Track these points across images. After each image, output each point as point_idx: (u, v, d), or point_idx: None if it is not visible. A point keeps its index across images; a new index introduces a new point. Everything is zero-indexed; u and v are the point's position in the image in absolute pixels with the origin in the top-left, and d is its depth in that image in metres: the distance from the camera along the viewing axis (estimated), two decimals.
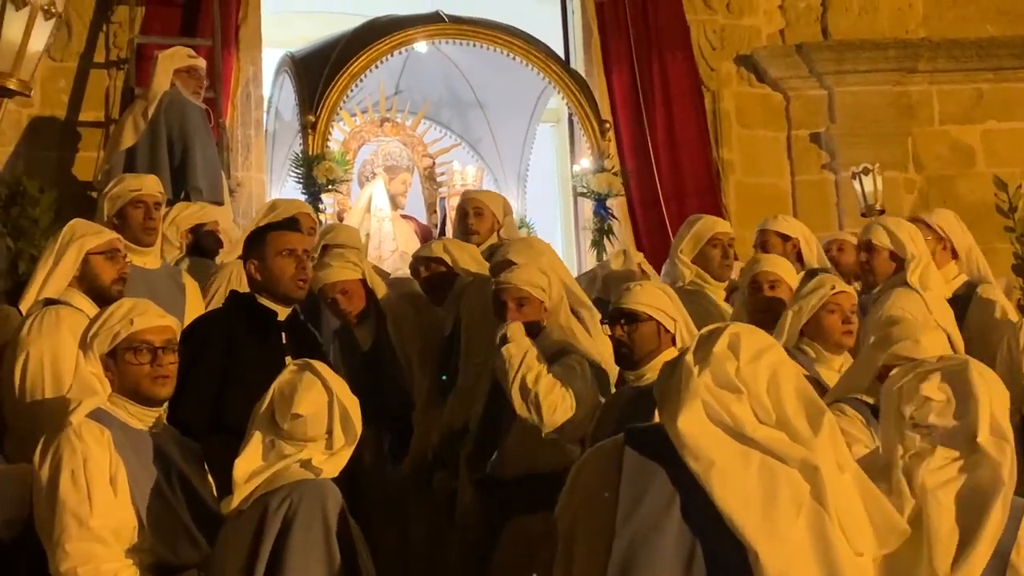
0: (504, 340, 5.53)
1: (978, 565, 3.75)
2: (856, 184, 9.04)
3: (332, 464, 4.24)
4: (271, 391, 4.29)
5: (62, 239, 5.94)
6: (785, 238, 7.57)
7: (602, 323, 5.69)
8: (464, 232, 7.63)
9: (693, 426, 3.69)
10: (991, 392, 3.92)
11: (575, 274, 9.42)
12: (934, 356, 4.26)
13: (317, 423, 4.20)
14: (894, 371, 4.19)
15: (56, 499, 4.37)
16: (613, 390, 5.73)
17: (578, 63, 10.28)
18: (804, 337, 5.86)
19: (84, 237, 5.89)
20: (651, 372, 5.20)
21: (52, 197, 8.65)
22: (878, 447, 4.19)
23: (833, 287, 5.97)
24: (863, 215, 8.82)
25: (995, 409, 3.90)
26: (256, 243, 5.77)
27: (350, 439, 4.26)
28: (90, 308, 5.48)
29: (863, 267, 6.97)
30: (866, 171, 8.98)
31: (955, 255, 7.29)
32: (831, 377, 5.61)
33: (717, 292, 7.17)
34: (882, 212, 8.85)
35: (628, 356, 5.41)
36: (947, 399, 3.92)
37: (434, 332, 6.73)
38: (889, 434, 4.01)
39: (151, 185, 6.92)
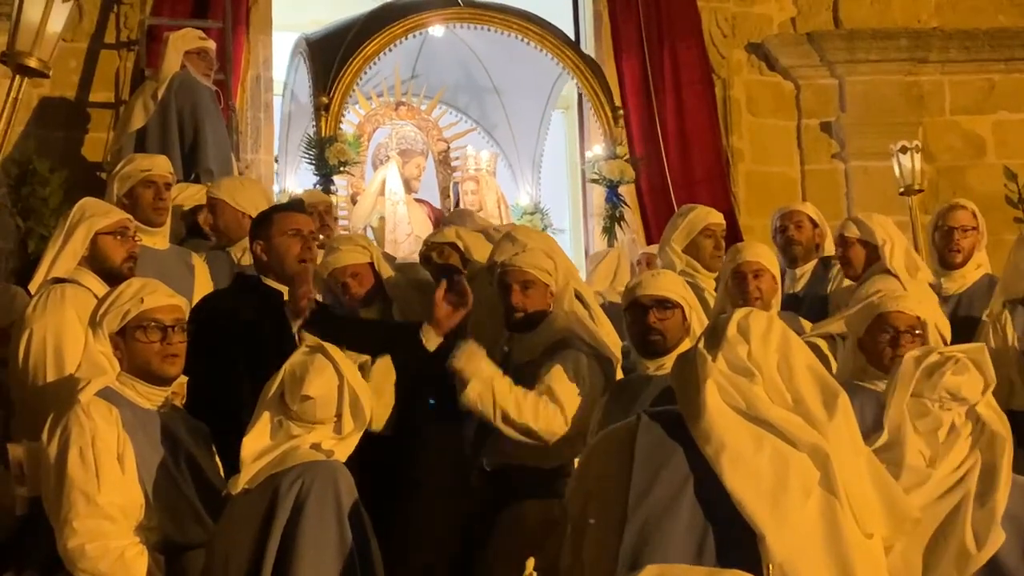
0: (461, 380, 5.29)
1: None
2: (895, 163, 8.95)
3: (342, 448, 4.25)
4: (282, 371, 4.28)
5: (72, 218, 5.93)
6: (815, 223, 7.59)
7: (624, 311, 5.61)
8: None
9: (708, 410, 3.70)
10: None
11: (580, 257, 9.51)
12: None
13: (327, 406, 4.20)
14: (910, 354, 4.22)
15: (64, 476, 4.36)
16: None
17: (588, 49, 10.23)
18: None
19: (93, 217, 5.88)
20: (670, 361, 5.02)
21: (62, 177, 8.66)
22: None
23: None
24: (901, 194, 8.74)
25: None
26: (263, 224, 5.71)
27: (359, 424, 4.26)
28: (99, 287, 5.47)
29: (842, 261, 7.01)
30: (904, 149, 8.89)
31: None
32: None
33: (708, 282, 7.09)
34: (920, 191, 8.79)
35: (661, 343, 5.30)
36: (977, 376, 4.03)
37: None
38: (899, 413, 4.06)
39: (162, 165, 6.92)
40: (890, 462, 3.97)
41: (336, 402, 4.21)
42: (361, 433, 4.29)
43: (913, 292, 5.69)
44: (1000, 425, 4.01)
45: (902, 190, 8.84)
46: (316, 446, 4.19)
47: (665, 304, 5.28)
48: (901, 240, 6.94)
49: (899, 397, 4.07)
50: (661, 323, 5.26)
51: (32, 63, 4.55)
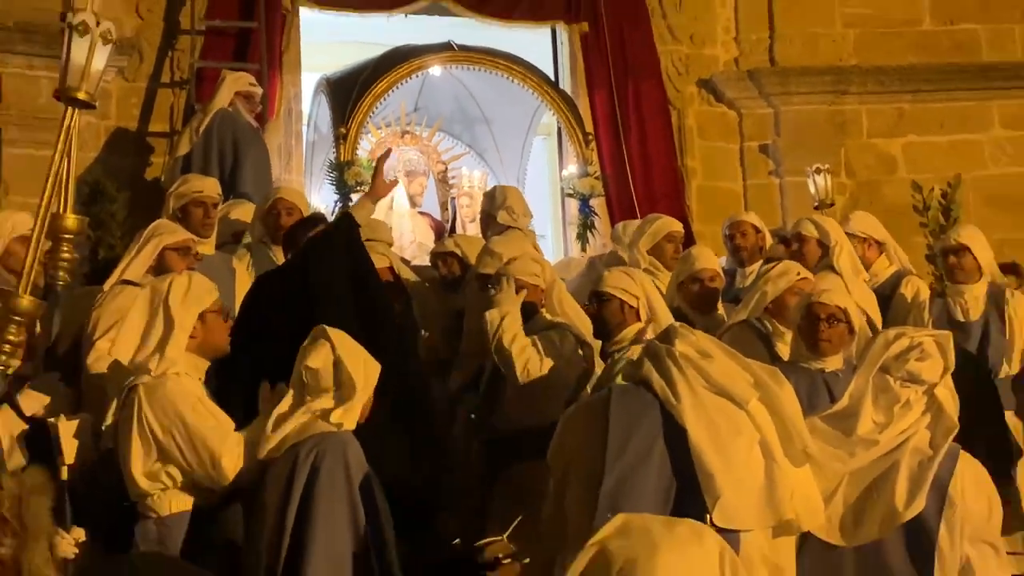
0: (490, 304, 5.50)
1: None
2: (810, 181, 8.96)
3: (349, 417, 4.20)
4: (300, 351, 4.29)
5: (146, 234, 5.94)
6: (757, 229, 7.60)
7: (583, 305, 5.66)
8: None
9: (675, 379, 3.73)
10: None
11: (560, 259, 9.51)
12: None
13: (325, 376, 4.18)
14: (884, 334, 4.19)
15: (187, 426, 4.35)
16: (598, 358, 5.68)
17: (565, 84, 10.18)
18: (766, 313, 5.76)
19: (163, 235, 5.88)
20: (623, 341, 5.24)
21: (126, 196, 8.59)
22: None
23: (798, 274, 5.89)
24: (816, 207, 8.75)
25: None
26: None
27: (356, 395, 4.20)
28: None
29: (793, 254, 6.95)
30: (818, 171, 8.90)
31: (881, 250, 7.32)
32: (783, 350, 5.55)
33: (664, 279, 6.97)
34: (831, 205, 8.80)
35: (601, 329, 5.43)
36: (939, 360, 3.97)
37: (451, 311, 6.75)
38: (864, 384, 4.00)
39: (211, 187, 6.88)
40: (842, 430, 3.96)
41: (332, 374, 4.19)
42: (362, 402, 4.23)
43: (837, 286, 5.60)
44: (951, 405, 3.93)
45: (816, 204, 8.84)
46: (326, 416, 4.16)
47: (601, 297, 5.39)
48: (848, 244, 6.94)
49: (866, 371, 4.01)
50: (597, 312, 5.42)
51: (81, 96, 4.56)
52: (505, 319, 5.41)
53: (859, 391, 3.99)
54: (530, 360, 5.37)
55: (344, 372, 4.19)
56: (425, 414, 5.04)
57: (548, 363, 5.38)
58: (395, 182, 5.78)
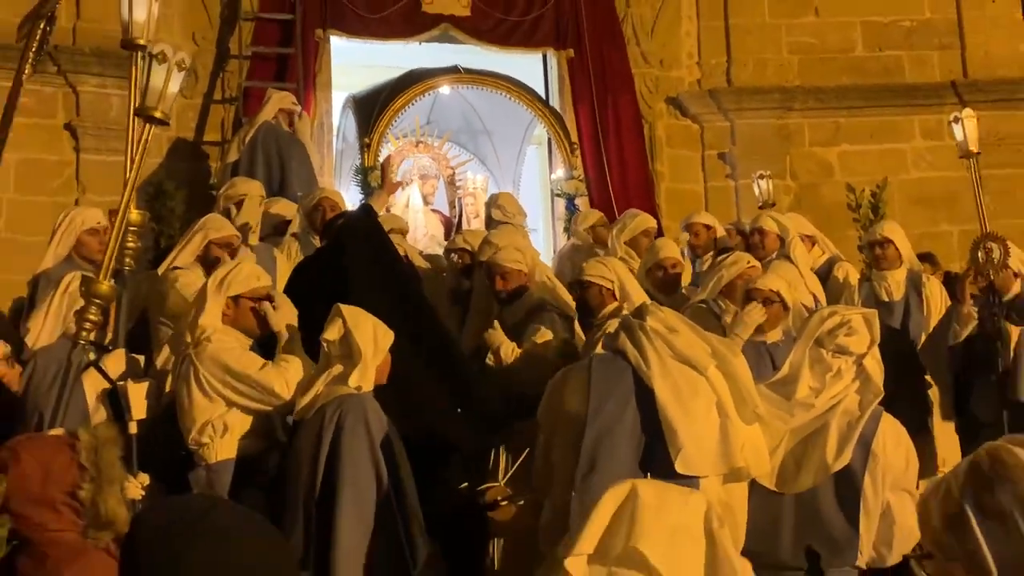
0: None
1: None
2: (755, 186, 8.96)
3: (365, 379, 4.16)
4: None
5: (196, 227, 5.94)
6: (708, 227, 7.67)
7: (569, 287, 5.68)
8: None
9: (645, 349, 3.73)
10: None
11: (550, 250, 9.49)
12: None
13: (340, 346, 4.18)
14: (819, 313, 4.15)
15: (236, 371, 4.39)
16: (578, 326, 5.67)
17: (554, 101, 10.13)
18: (720, 295, 5.77)
19: (210, 229, 5.89)
20: (602, 318, 5.21)
21: (184, 194, 8.62)
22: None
23: (748, 262, 5.91)
24: (760, 207, 8.75)
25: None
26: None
27: (365, 361, 4.15)
28: (203, 277, 5.40)
29: (754, 245, 6.94)
30: (762, 176, 8.89)
31: (813, 242, 7.35)
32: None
33: (637, 265, 7.04)
34: (773, 205, 8.81)
35: (583, 309, 5.45)
36: (865, 334, 3.95)
37: (454, 293, 6.74)
38: (801, 355, 3.98)
39: (255, 189, 6.87)
40: (783, 394, 3.94)
41: (342, 345, 4.18)
42: (373, 367, 4.18)
43: (778, 272, 5.60)
44: (877, 373, 3.91)
45: (760, 204, 8.84)
46: (343, 377, 4.14)
47: (583, 284, 5.47)
48: (798, 236, 6.97)
49: (804, 344, 3.99)
50: (579, 297, 5.52)
51: (157, 115, 4.53)
52: (505, 345, 5.37)
53: (797, 361, 3.97)
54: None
55: (353, 342, 4.15)
56: (456, 363, 5.00)
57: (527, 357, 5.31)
58: (401, 182, 5.90)
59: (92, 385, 4.72)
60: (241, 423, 4.46)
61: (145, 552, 1.77)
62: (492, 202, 7.88)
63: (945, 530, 1.69)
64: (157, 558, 1.74)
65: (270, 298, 4.69)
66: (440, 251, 8.13)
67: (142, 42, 4.86)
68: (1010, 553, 1.63)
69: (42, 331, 5.22)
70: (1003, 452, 1.54)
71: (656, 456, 3.56)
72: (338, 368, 4.17)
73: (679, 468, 3.54)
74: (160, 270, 5.86)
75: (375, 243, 5.20)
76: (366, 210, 5.78)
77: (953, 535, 1.63)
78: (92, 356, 4.60)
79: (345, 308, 4.24)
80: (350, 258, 5.03)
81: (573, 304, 5.71)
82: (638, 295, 5.33)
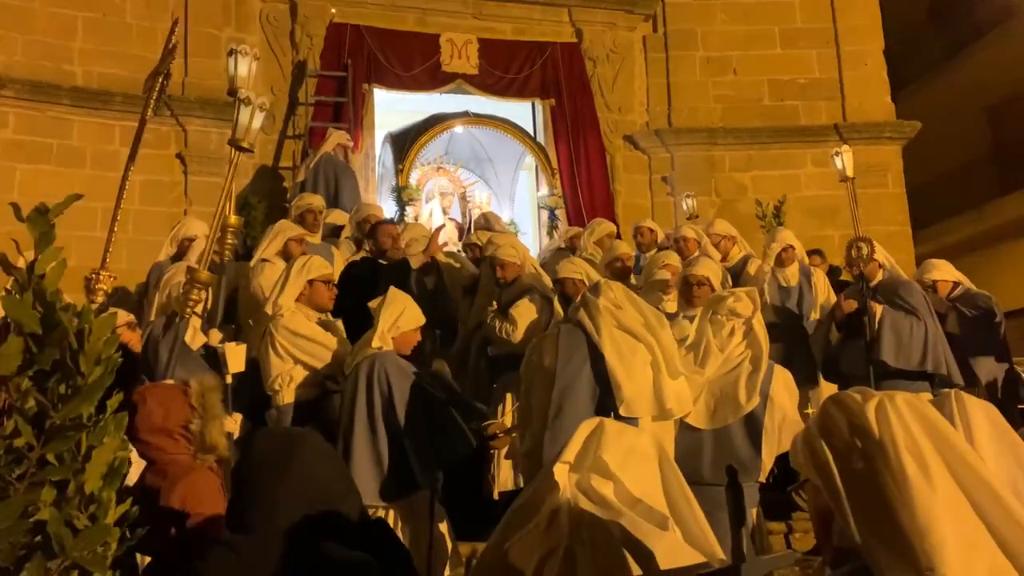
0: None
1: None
2: (683, 202, 8.99)
3: (383, 341, 4.09)
4: None
5: (275, 229, 5.94)
6: (651, 231, 7.60)
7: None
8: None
9: (598, 322, 3.73)
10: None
11: (536, 249, 9.52)
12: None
13: (376, 315, 4.14)
14: (714, 295, 4.17)
15: (304, 336, 4.42)
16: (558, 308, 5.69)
17: (540, 138, 10.13)
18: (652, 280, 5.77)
19: (285, 231, 5.91)
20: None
21: (265, 205, 8.62)
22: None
23: (666, 260, 5.90)
24: (688, 219, 8.79)
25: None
26: (371, 233, 5.97)
27: (378, 325, 4.11)
28: (282, 265, 5.44)
29: (680, 247, 6.89)
30: (688, 195, 8.92)
31: (734, 242, 7.37)
32: (668, 304, 5.60)
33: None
34: (696, 217, 8.82)
35: (563, 299, 5.38)
36: (748, 302, 3.98)
37: (470, 277, 6.70)
38: (704, 324, 4.00)
39: (318, 202, 6.86)
40: (696, 352, 3.96)
41: (375, 312, 4.15)
42: (384, 330, 4.07)
43: (706, 263, 5.40)
44: (762, 333, 3.90)
45: (688, 217, 8.76)
46: (367, 340, 4.09)
47: (562, 282, 5.39)
48: (743, 241, 7.14)
49: (705, 314, 4.02)
50: (561, 290, 5.41)
51: (245, 145, 4.56)
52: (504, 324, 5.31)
53: (702, 327, 4.01)
54: (510, 334, 5.30)
55: (380, 313, 4.14)
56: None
57: (522, 325, 5.29)
58: (440, 242, 5.97)
59: (195, 346, 4.75)
60: (301, 376, 4.47)
61: (261, 452, 1.85)
62: (488, 218, 8.01)
63: (808, 458, 1.73)
64: (272, 457, 1.83)
65: (332, 281, 4.74)
66: (454, 249, 8.18)
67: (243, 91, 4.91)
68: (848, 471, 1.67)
69: (155, 308, 5.26)
70: (829, 403, 1.59)
71: (606, 402, 3.58)
72: (372, 332, 4.15)
73: (622, 412, 3.56)
74: (252, 262, 5.89)
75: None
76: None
77: (812, 460, 1.62)
78: (198, 325, 4.60)
79: (392, 290, 4.23)
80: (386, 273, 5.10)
81: (550, 285, 5.74)
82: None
